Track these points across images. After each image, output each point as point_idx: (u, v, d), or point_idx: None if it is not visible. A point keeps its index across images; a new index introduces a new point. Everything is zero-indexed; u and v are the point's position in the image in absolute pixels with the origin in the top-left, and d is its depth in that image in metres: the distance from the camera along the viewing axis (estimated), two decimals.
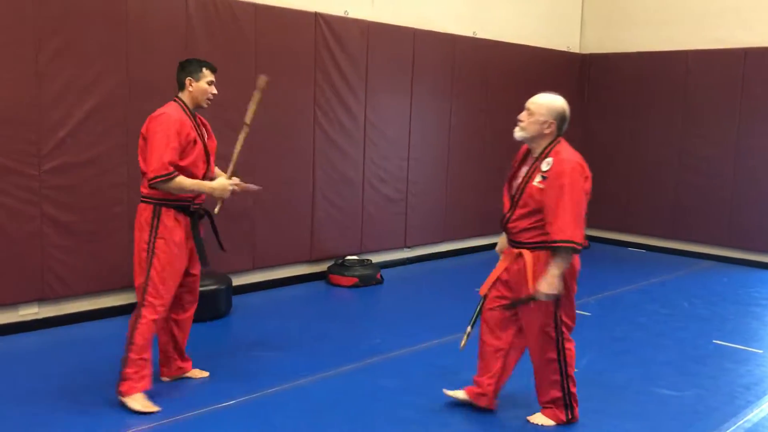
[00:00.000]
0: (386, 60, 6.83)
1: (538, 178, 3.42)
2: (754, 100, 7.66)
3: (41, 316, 4.90)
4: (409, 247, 7.42)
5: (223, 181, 3.78)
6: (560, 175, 3.33)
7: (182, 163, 3.69)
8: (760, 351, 4.95)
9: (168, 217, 3.71)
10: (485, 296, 3.70)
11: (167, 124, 3.62)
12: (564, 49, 8.94)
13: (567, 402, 3.62)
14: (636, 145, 8.63)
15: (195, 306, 4.05)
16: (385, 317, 5.60)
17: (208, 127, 4.01)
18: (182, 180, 3.63)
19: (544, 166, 3.41)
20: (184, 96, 3.81)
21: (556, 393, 3.60)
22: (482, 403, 3.75)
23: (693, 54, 8.09)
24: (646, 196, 8.56)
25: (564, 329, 3.52)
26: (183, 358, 4.08)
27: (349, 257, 6.59)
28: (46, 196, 4.77)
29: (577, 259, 3.46)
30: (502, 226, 3.62)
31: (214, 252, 4.05)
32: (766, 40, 7.61)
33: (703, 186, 8.09)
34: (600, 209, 8.97)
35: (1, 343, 4.60)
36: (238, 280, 5.83)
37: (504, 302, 3.61)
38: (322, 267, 6.60)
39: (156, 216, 3.70)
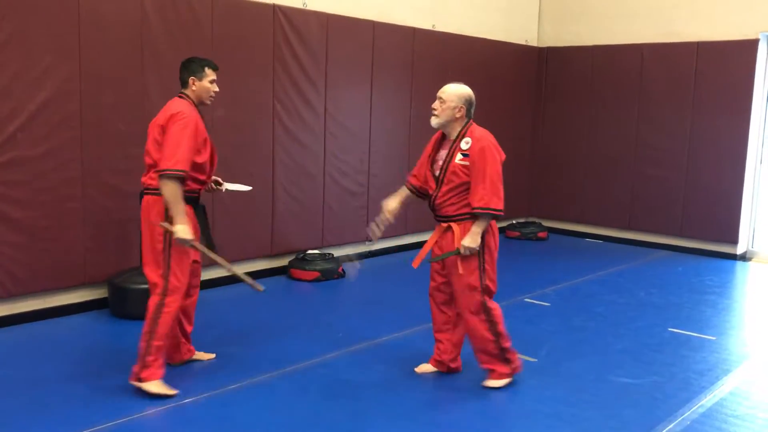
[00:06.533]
0: (346, 52, 6.80)
1: (459, 156, 3.84)
2: (707, 93, 7.83)
3: None
4: (370, 241, 7.41)
5: (187, 229, 3.67)
6: (480, 152, 3.77)
7: (199, 161, 3.81)
8: (714, 338, 5.08)
9: None
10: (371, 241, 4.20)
11: (188, 123, 3.70)
12: (522, 42, 9.02)
13: (503, 357, 3.97)
14: (592, 137, 8.75)
15: (198, 291, 4.19)
16: (347, 311, 5.59)
17: None
18: (179, 188, 3.65)
19: (464, 145, 3.84)
20: (189, 93, 3.89)
21: (493, 350, 3.94)
22: (443, 369, 4.16)
23: (647, 47, 8.23)
24: (603, 187, 8.69)
25: (485, 294, 3.89)
26: (189, 341, 4.24)
27: (310, 251, 6.55)
28: None
29: (496, 228, 3.92)
30: (430, 204, 4.00)
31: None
32: (718, 34, 7.78)
33: (657, 177, 8.25)
34: (557, 201, 9.12)
35: None
36: None
37: (444, 280, 4.01)
38: (283, 261, 6.56)
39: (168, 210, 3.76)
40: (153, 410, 3.58)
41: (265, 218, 6.30)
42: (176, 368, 4.14)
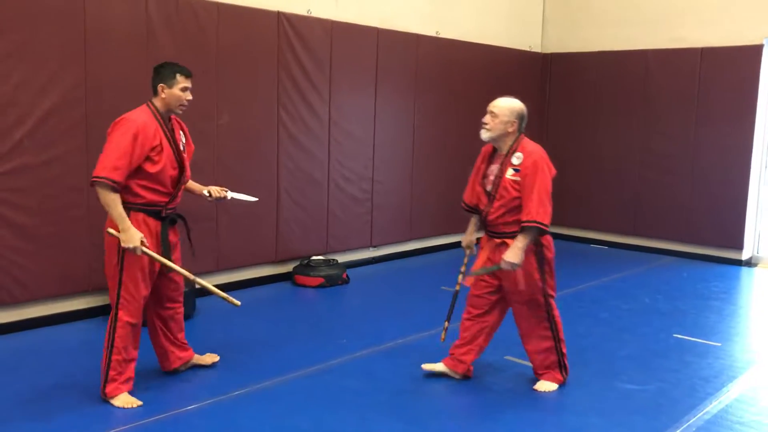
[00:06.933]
0: (350, 59, 6.82)
1: (510, 172, 3.83)
2: (711, 98, 7.83)
3: (0, 322, 4.78)
4: (374, 247, 7.42)
5: (135, 233, 3.58)
6: (532, 166, 3.77)
7: (151, 170, 3.65)
8: (719, 344, 5.06)
9: (136, 222, 3.65)
10: (457, 291, 4.17)
11: (128, 129, 3.57)
12: (526, 48, 9.03)
13: (561, 363, 4.06)
14: (597, 143, 8.75)
15: (181, 299, 4.09)
16: (351, 317, 5.59)
17: (186, 130, 3.98)
18: (112, 196, 3.54)
19: (515, 160, 3.83)
20: (157, 101, 3.75)
21: (552, 357, 4.04)
22: (460, 370, 4.13)
23: (652, 53, 8.23)
24: (607, 193, 8.68)
25: (550, 298, 3.98)
26: (182, 349, 4.13)
27: (314, 257, 6.56)
28: (2, 199, 4.65)
29: (551, 241, 3.97)
30: (482, 220, 4.01)
31: (184, 254, 4.06)
32: (721, 40, 7.77)
33: (662, 182, 8.24)
34: (562, 207, 9.04)
35: None
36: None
37: (490, 289, 4.01)
38: (287, 267, 6.57)
39: None
40: (157, 417, 3.58)
41: (269, 224, 6.31)
42: (180, 374, 4.14)
